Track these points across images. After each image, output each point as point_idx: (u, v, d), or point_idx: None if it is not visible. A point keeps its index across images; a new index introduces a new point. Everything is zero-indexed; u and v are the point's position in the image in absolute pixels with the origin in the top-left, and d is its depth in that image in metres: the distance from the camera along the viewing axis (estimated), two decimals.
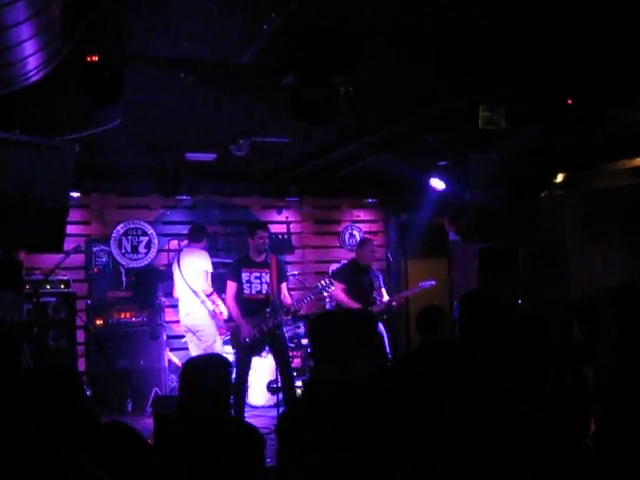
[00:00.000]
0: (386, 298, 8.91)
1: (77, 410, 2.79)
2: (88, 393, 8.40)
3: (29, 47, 3.37)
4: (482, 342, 3.98)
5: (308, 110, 5.04)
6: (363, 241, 9.29)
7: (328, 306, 10.07)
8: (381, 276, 9.16)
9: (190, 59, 5.12)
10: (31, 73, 3.79)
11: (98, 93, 4.47)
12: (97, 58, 4.25)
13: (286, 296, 8.04)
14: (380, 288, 8.91)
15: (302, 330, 9.50)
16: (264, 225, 8.16)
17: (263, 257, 7.89)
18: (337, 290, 8.63)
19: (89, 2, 3.79)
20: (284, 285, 8.08)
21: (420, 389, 3.22)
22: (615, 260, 8.32)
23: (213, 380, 3.56)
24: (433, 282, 9.17)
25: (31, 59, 3.52)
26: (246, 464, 3.28)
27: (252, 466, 3.28)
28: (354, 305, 8.35)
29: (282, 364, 7.82)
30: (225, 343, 8.97)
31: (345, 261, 9.63)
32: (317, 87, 4.99)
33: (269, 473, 3.50)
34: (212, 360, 3.88)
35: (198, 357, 4.80)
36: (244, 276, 7.93)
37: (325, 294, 8.97)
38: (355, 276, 8.72)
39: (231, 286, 7.98)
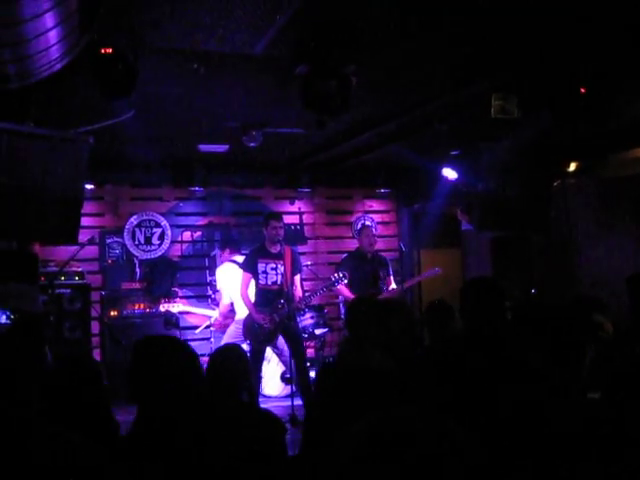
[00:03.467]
0: (393, 286, 8.90)
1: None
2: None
3: (49, 39, 3.40)
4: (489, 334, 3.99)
5: (321, 100, 5.05)
6: (361, 228, 9.20)
7: (341, 297, 10.08)
8: (390, 264, 9.15)
9: (203, 50, 5.14)
10: (51, 64, 3.82)
11: (112, 85, 4.50)
12: (111, 50, 4.27)
13: (297, 288, 8.04)
14: (387, 277, 8.88)
15: (314, 321, 9.51)
16: (277, 216, 8.11)
17: (278, 248, 7.90)
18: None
19: None
20: (297, 277, 8.09)
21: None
22: (627, 248, 8.31)
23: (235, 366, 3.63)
24: (438, 270, 9.15)
25: (52, 50, 3.55)
26: (267, 450, 3.30)
27: (273, 452, 3.30)
28: (350, 297, 8.32)
29: (296, 355, 7.84)
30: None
31: (351, 251, 9.55)
32: (330, 77, 4.99)
33: (290, 462, 3.52)
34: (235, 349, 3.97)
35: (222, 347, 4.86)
36: (260, 267, 7.93)
37: (338, 286, 8.98)
38: (356, 265, 8.70)
39: (246, 277, 7.98)
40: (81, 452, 1.66)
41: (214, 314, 9.22)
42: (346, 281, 8.38)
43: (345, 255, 9.55)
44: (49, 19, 3.19)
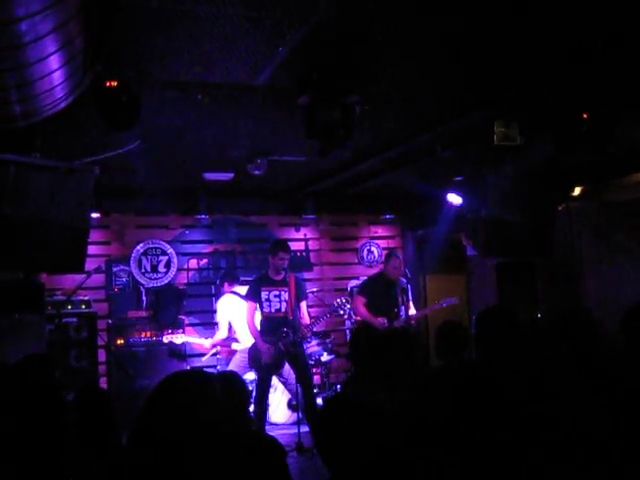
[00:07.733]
0: (412, 312, 8.75)
1: None
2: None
3: (54, 79, 3.45)
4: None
5: (324, 130, 5.08)
6: (388, 255, 9.03)
7: (347, 323, 10.08)
8: (410, 289, 8.96)
9: (206, 81, 5.19)
10: (56, 103, 3.87)
11: (116, 117, 4.55)
12: (116, 83, 4.33)
13: (304, 316, 8.04)
14: (407, 302, 8.76)
15: (320, 347, 9.51)
16: (287, 247, 8.05)
17: (282, 275, 7.91)
18: (357, 303, 8.59)
19: (108, 34, 3.87)
20: (304, 304, 8.09)
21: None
22: (632, 272, 8.29)
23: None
24: (455, 300, 9.08)
25: (56, 89, 3.60)
26: (268, 476, 3.29)
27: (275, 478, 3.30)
28: (374, 319, 8.31)
29: (303, 382, 7.82)
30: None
31: (373, 274, 9.43)
32: (333, 107, 5.03)
33: None
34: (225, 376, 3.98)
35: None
36: (263, 295, 7.94)
37: (342, 312, 8.97)
38: (378, 289, 8.63)
39: (251, 306, 8.00)
40: None
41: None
42: (349, 306, 8.40)
43: (365, 278, 9.45)
44: (54, 61, 3.24)
